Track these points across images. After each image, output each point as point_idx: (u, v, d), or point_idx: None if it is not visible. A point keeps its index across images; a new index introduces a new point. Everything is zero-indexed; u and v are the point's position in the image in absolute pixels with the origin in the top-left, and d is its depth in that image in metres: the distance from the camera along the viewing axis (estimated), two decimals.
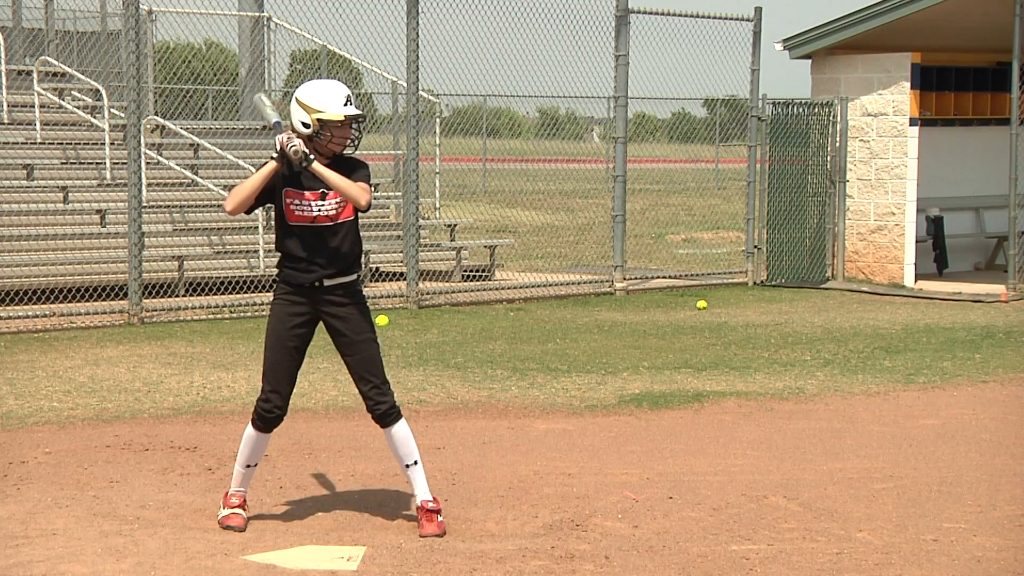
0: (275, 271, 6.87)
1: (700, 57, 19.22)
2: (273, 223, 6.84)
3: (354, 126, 6.70)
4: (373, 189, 19.56)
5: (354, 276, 6.80)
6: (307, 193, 6.66)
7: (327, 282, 6.71)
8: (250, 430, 6.85)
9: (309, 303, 6.74)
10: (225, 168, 17.38)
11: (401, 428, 6.79)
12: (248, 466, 6.91)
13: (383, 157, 20.94)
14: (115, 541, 6.58)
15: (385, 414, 6.77)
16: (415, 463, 6.81)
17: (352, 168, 6.70)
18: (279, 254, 6.79)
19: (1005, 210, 17.96)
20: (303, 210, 6.67)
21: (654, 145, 31.77)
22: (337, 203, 6.68)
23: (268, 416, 6.79)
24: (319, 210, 6.66)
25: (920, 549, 6.64)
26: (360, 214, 6.77)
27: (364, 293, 6.91)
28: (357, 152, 6.83)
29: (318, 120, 6.60)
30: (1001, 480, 7.99)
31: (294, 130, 6.68)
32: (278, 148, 6.62)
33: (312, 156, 6.61)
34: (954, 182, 19.91)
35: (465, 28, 17.33)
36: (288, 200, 6.68)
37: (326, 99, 6.61)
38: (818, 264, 18.90)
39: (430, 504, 6.79)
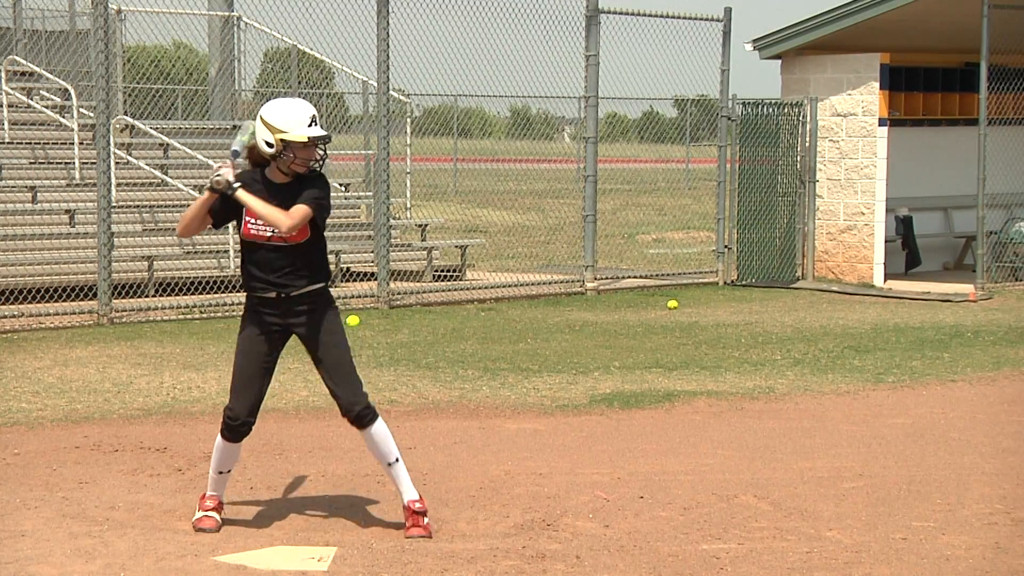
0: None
1: (670, 57, 19.27)
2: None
3: (319, 146, 6.63)
4: (345, 189, 19.30)
5: (320, 285, 6.75)
6: None
7: (293, 293, 6.70)
8: (219, 439, 6.82)
9: (278, 315, 6.70)
10: (195, 168, 17.31)
11: (379, 428, 6.74)
12: (220, 472, 6.88)
13: (354, 157, 20.91)
14: (84, 542, 6.56)
15: (360, 416, 6.72)
16: (396, 460, 6.77)
17: (307, 186, 6.62)
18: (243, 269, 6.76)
19: (973, 210, 18.05)
20: (259, 229, 6.64)
21: (625, 145, 31.82)
22: None
23: (235, 426, 6.77)
24: (273, 231, 6.62)
25: (889, 547, 6.66)
26: (323, 231, 6.72)
27: (333, 296, 6.89)
28: (330, 153, 6.80)
29: (281, 140, 6.54)
30: (970, 478, 8.03)
31: (256, 148, 6.63)
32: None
33: (237, 184, 6.57)
34: (923, 182, 20.00)
35: (436, 28, 17.33)
36: (247, 218, 6.65)
37: (290, 120, 6.54)
38: (788, 264, 18.96)
39: (416, 505, 6.76)
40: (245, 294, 6.80)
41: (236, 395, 6.75)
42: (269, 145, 6.59)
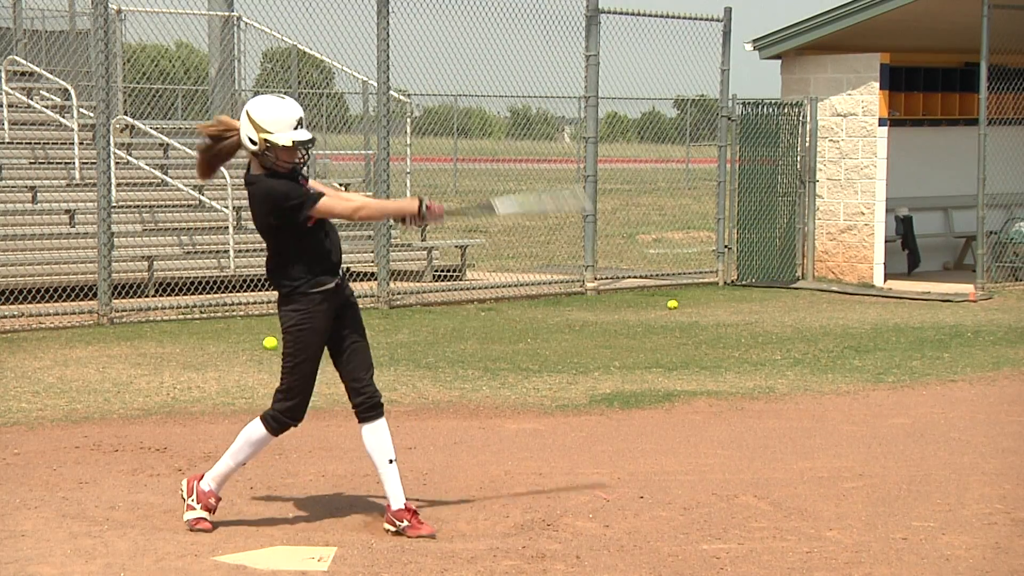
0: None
1: (670, 57, 19.28)
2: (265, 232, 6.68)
3: (303, 149, 6.56)
4: (345, 189, 19.35)
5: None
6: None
7: (343, 273, 6.72)
8: (264, 433, 6.73)
9: (334, 302, 6.66)
10: (195, 168, 17.28)
11: (385, 422, 6.78)
12: (242, 465, 6.89)
13: (354, 157, 20.91)
14: (84, 542, 6.55)
15: (379, 404, 6.75)
16: (394, 461, 6.77)
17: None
18: (300, 265, 6.58)
19: (973, 210, 18.06)
20: None
21: (625, 145, 31.84)
22: None
23: (294, 425, 6.76)
24: None
25: (889, 547, 6.66)
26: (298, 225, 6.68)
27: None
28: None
29: (265, 140, 6.49)
30: (970, 478, 8.03)
31: (240, 143, 6.59)
32: (426, 213, 6.55)
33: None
34: (923, 182, 20.01)
35: (436, 28, 17.34)
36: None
37: (275, 122, 6.48)
38: (788, 264, 18.96)
39: (413, 505, 6.80)
40: (301, 295, 6.60)
41: (301, 394, 6.68)
42: (252, 142, 6.54)
